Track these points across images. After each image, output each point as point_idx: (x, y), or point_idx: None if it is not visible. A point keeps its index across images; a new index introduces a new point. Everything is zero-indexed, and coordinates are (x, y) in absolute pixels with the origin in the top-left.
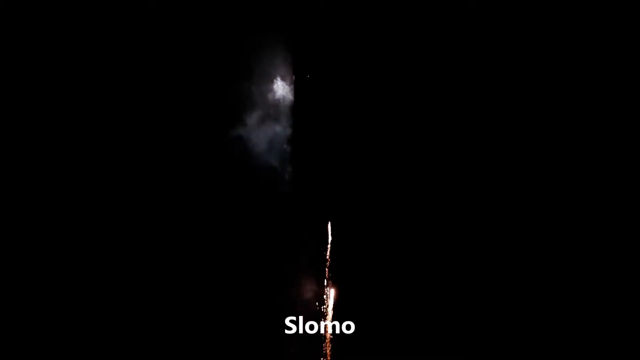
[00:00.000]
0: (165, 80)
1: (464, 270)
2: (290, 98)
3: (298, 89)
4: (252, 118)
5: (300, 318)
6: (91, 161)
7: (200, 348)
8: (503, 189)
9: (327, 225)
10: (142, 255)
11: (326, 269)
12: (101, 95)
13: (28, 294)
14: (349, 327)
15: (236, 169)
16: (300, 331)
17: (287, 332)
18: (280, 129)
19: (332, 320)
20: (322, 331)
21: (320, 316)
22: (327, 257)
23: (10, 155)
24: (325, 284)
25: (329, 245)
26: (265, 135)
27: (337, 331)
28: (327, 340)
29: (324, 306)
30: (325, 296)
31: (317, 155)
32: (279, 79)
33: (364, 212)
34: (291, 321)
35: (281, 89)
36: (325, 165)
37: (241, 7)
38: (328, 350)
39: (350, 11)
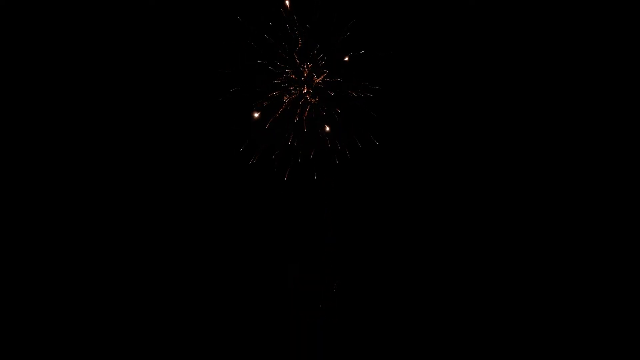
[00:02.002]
0: (167, 77)
1: (464, 270)
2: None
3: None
4: (253, 117)
5: (300, 317)
6: (92, 160)
7: (201, 347)
8: (503, 189)
9: (329, 224)
10: (143, 255)
11: (327, 268)
12: (103, 94)
13: (28, 294)
14: (348, 325)
15: (236, 168)
16: (300, 330)
17: (286, 331)
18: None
19: (332, 318)
20: (321, 328)
21: (320, 313)
22: (329, 256)
23: (10, 156)
24: (326, 283)
25: (329, 244)
26: (267, 133)
27: (337, 328)
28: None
29: (325, 305)
30: (326, 295)
31: (318, 154)
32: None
33: (366, 211)
34: (291, 320)
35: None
36: (327, 164)
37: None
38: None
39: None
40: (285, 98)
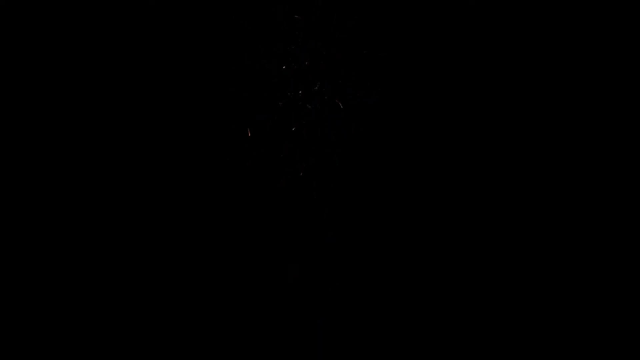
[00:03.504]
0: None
1: (466, 270)
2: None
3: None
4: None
5: (300, 317)
6: (83, 163)
7: (200, 347)
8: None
9: (329, 224)
10: (143, 256)
11: (327, 268)
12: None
13: (28, 294)
14: (348, 325)
15: (235, 167)
16: (300, 330)
17: (286, 331)
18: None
19: (332, 318)
20: (321, 328)
21: (320, 313)
22: (329, 256)
23: (10, 156)
24: (326, 283)
25: (329, 244)
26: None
27: (337, 328)
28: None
29: (324, 304)
30: (326, 295)
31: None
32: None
33: (367, 211)
34: (291, 320)
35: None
36: (327, 166)
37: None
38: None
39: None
40: (280, 102)
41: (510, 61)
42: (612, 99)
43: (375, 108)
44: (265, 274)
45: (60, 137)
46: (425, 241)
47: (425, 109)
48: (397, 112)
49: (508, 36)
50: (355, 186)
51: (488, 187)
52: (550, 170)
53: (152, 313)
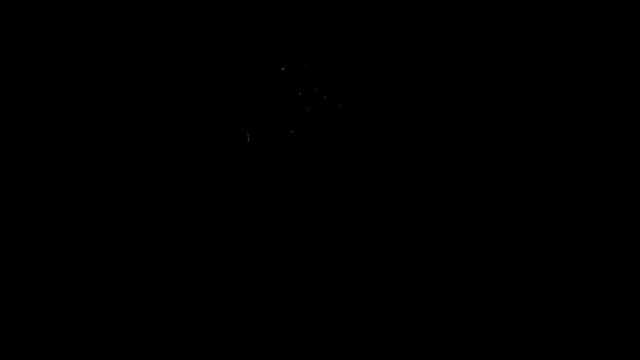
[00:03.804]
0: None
1: (468, 270)
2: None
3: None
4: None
5: (300, 317)
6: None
7: (199, 347)
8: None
9: (329, 224)
10: (140, 255)
11: (327, 268)
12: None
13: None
14: (348, 325)
15: (235, 168)
16: (300, 330)
17: (286, 331)
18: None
19: (332, 318)
20: (321, 328)
21: (320, 313)
22: (329, 256)
23: (9, 155)
24: (326, 283)
25: (329, 244)
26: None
27: (337, 328)
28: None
29: (324, 304)
30: (326, 295)
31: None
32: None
33: (367, 210)
34: (291, 320)
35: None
36: (327, 165)
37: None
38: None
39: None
40: (280, 104)
41: (510, 61)
42: (612, 99)
43: (375, 108)
44: (265, 274)
45: (60, 137)
46: (426, 241)
47: (426, 109)
48: (398, 112)
49: (508, 36)
50: (355, 186)
51: (488, 187)
52: (551, 170)
53: (152, 313)
